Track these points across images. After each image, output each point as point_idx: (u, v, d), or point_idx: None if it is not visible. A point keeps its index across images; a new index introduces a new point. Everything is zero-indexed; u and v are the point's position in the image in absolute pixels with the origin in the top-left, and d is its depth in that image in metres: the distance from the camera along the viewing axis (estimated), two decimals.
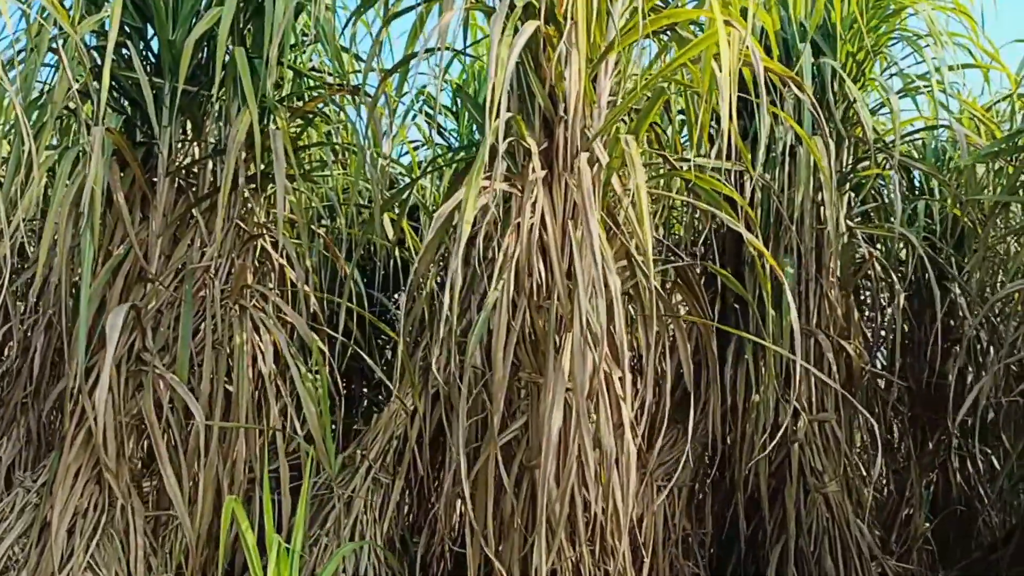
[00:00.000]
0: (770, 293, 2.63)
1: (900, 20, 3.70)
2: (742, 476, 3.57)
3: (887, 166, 3.24)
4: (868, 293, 4.26)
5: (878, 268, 3.76)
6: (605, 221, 2.57)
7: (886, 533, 4.05)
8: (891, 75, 3.75)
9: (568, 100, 2.13)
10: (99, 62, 3.07)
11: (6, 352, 3.91)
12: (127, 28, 3.10)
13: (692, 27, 2.72)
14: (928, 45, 3.37)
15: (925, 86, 3.47)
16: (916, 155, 4.28)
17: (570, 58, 2.10)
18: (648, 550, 2.78)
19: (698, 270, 3.22)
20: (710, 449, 3.55)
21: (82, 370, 2.82)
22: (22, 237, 3.94)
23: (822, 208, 3.41)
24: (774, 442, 3.15)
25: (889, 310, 4.11)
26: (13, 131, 2.81)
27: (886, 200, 3.89)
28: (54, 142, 3.53)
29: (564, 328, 2.45)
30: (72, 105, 3.06)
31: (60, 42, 2.68)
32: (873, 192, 3.91)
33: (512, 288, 2.37)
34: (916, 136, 3.97)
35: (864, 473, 3.87)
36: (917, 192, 4.44)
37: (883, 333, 4.24)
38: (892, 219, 3.72)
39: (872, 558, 3.61)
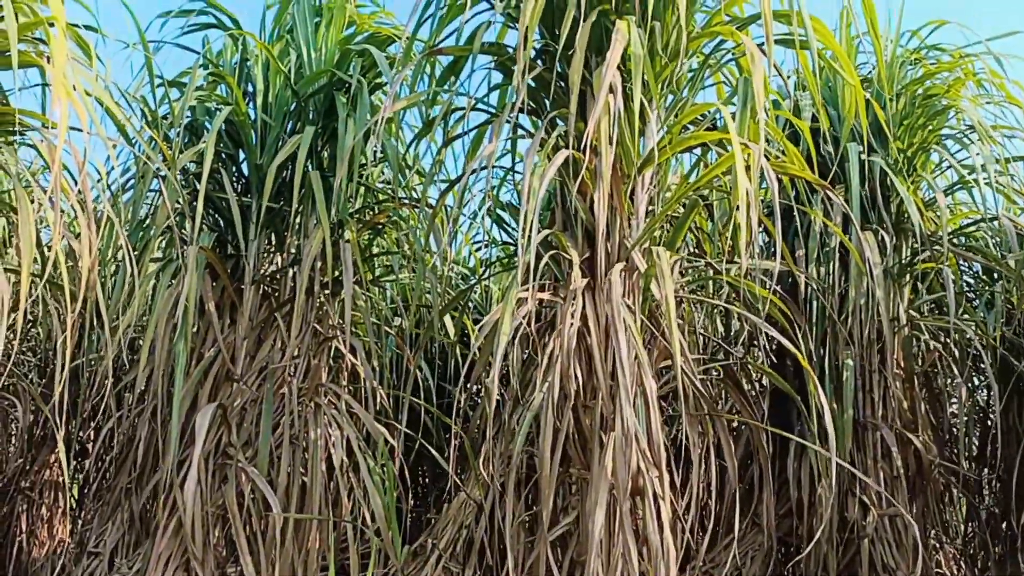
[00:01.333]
0: (815, 389, 2.68)
1: (957, 112, 3.75)
2: (812, 571, 3.53)
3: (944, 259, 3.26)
4: (948, 382, 4.17)
5: (954, 356, 3.71)
6: (647, 324, 2.70)
7: None
8: (947, 167, 3.78)
9: (598, 219, 2.30)
10: (196, 185, 3.45)
11: (115, 439, 4.29)
12: (222, 155, 3.48)
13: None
14: (973, 142, 3.40)
15: (977, 178, 3.49)
16: (991, 241, 4.22)
17: (598, 184, 2.28)
18: None
19: (750, 366, 3.28)
20: (781, 543, 3.54)
21: (175, 464, 3.11)
22: (132, 333, 4.37)
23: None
24: (811, 529, 3.12)
25: (969, 400, 4.01)
26: (122, 252, 3.18)
27: (957, 291, 3.85)
28: (162, 245, 3.93)
29: (608, 428, 2.57)
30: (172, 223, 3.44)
31: (162, 173, 3.06)
32: (941, 282, 3.88)
33: (558, 389, 2.52)
34: (980, 226, 3.94)
35: (942, 570, 3.74)
36: (996, 277, 4.37)
37: (955, 425, 4.13)
38: (961, 310, 3.73)
39: None
